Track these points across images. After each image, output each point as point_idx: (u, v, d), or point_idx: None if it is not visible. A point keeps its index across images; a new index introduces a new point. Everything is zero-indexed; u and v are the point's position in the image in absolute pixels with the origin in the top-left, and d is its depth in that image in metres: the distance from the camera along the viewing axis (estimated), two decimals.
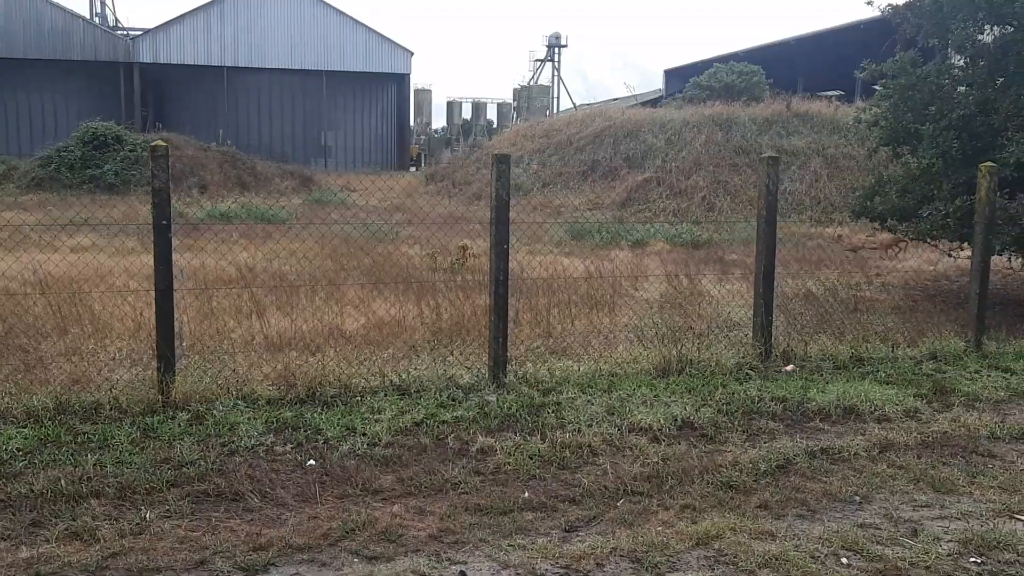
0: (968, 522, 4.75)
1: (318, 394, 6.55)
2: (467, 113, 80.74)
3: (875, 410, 6.66)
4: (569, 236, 22.20)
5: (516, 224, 22.46)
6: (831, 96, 33.45)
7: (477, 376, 7.17)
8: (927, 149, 12.69)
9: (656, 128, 28.72)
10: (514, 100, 68.62)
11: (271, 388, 6.59)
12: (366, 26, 57.26)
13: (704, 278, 14.61)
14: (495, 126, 70.02)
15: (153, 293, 6.49)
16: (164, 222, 6.30)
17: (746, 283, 13.75)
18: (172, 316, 6.38)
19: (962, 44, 12.65)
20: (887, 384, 7.46)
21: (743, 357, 7.99)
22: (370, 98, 59.83)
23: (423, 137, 74.29)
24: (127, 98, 53.48)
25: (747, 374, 7.68)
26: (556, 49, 71.30)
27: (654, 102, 46.46)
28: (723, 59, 42.84)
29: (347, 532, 4.37)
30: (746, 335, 8.72)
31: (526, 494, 4.95)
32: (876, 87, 14.79)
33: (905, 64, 13.49)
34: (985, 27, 12.98)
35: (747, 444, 5.88)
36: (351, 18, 56.99)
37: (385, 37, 57.66)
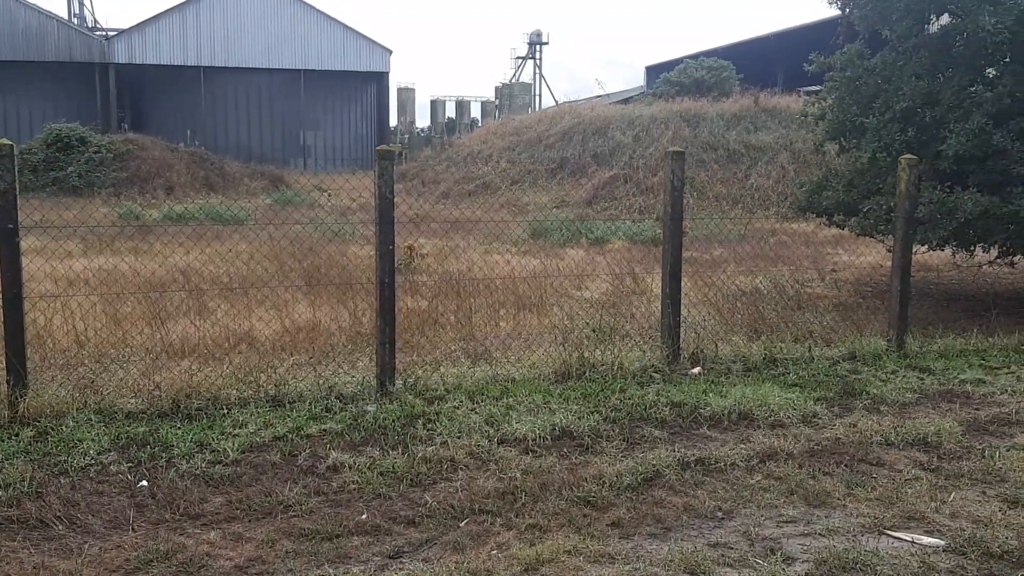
0: (832, 539, 4.44)
1: (182, 407, 6.21)
2: (451, 112, 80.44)
3: (770, 416, 6.36)
4: (529, 235, 21.90)
5: (477, 223, 22.18)
6: (813, 91, 33.03)
7: (363, 385, 6.84)
8: (870, 142, 12.41)
9: (624, 125, 28.40)
10: (496, 98, 68.23)
11: (133, 401, 6.25)
12: (344, 24, 56.85)
13: (651, 276, 14.28)
14: (480, 125, 69.64)
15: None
16: (10, 226, 5.96)
17: (697, 280, 13.50)
18: (22, 326, 6.03)
19: (904, 34, 12.36)
20: (793, 387, 7.15)
21: (648, 360, 7.67)
22: (349, 97, 59.42)
23: (406, 136, 73.93)
24: (103, 99, 52.99)
25: (651, 377, 7.37)
26: (537, 47, 70.96)
27: (639, 99, 46.15)
28: (705, 55, 42.53)
29: (145, 563, 4.03)
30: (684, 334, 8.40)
31: (363, 516, 4.62)
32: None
33: (852, 57, 13.22)
34: (931, 17, 12.70)
35: (623, 454, 5.56)
36: (328, 16, 56.57)
37: (363, 35, 57.26)
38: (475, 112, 77.46)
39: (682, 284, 12.70)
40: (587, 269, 15.25)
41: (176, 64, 54.28)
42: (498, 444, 5.66)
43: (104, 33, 58.53)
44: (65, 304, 9.77)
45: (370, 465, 5.24)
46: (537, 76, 70.44)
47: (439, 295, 11.64)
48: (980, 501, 4.95)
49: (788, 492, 5.02)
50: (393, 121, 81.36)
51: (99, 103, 52.32)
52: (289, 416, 6.11)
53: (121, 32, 55.12)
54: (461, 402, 6.53)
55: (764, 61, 44.21)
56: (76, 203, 27.65)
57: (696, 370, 7.56)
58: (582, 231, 21.04)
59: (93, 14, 70.33)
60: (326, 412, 6.25)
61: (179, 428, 5.82)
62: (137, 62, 53.79)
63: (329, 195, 29.03)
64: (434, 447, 5.54)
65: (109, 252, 17.12)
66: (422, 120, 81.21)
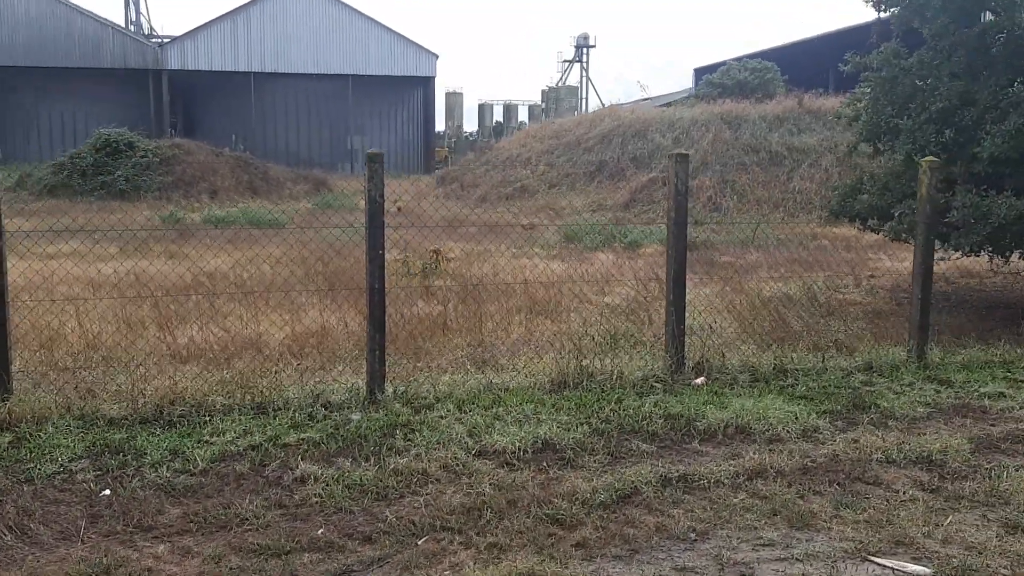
0: (808, 565, 4.18)
1: (165, 413, 6.14)
2: (499, 115, 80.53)
3: (768, 430, 6.07)
4: (563, 239, 21.69)
5: (510, 227, 22.01)
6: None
7: (351, 393, 6.70)
8: (904, 144, 11.98)
9: (664, 127, 28.02)
10: (543, 102, 68.06)
11: (116, 407, 6.19)
12: (391, 30, 57.20)
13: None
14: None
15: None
16: None
17: (728, 286, 13.19)
18: (4, 332, 6.01)
19: (940, 32, 11.91)
20: (800, 399, 6.84)
21: (651, 369, 7.43)
22: (396, 101, 59.79)
23: (453, 140, 74.18)
24: (156, 105, 54.01)
25: (652, 387, 7.12)
26: (584, 50, 70.62)
27: (681, 102, 45.58)
28: (753, 56, 41.86)
29: None
30: (690, 343, 8.11)
31: (320, 531, 4.47)
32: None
33: (888, 56, 12.80)
34: (981, 14, 12.23)
35: (604, 469, 5.34)
36: (376, 22, 56.97)
37: (410, 40, 57.55)
38: (523, 116, 77.37)
39: (706, 291, 12.44)
40: (613, 274, 14.98)
41: (227, 70, 55.11)
42: (475, 456, 5.48)
43: (159, 40, 59.65)
44: (79, 308, 9.84)
45: (338, 477, 5.09)
46: (584, 79, 70.14)
47: (454, 300, 11.49)
48: (978, 525, 4.64)
49: (771, 513, 4.76)
50: (441, 125, 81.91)
51: (152, 109, 53.33)
52: (270, 424, 6.00)
53: (174, 39, 56.14)
54: (448, 411, 6.36)
55: (815, 63, 43.35)
56: (122, 206, 28.15)
57: (700, 380, 7.29)
58: (615, 235, 20.75)
59: (149, 22, 71.80)
60: (309, 420, 6.13)
61: (157, 435, 5.75)
62: (189, 68, 54.75)
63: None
64: (407, 459, 5.38)
65: (141, 256, 17.30)
66: (470, 124, 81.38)
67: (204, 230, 21.18)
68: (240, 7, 55.35)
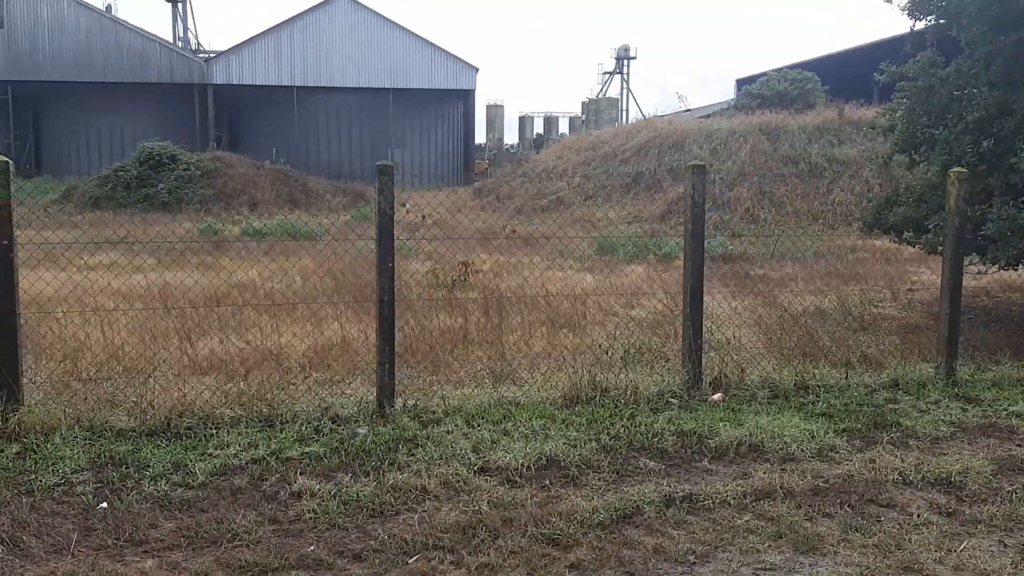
0: None
1: (173, 425, 6.14)
2: (540, 127, 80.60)
3: (782, 448, 5.90)
4: (596, 251, 21.53)
5: (544, 239, 21.92)
6: None
7: (360, 406, 6.65)
8: (939, 155, 11.71)
9: (702, 138, 27.76)
10: (583, 113, 67.96)
11: (124, 418, 6.21)
12: (432, 43, 57.53)
13: (709, 295, 13.71)
14: None
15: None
16: (4, 243, 5.98)
17: (759, 299, 12.99)
18: (15, 343, 6.06)
19: (975, 40, 11.63)
20: (820, 416, 6.65)
21: (667, 384, 7.28)
22: (436, 114, 60.08)
23: (494, 152, 74.33)
24: (201, 119, 54.82)
25: (668, 403, 6.98)
26: (625, 61, 70.43)
27: (720, 113, 45.18)
28: (796, 67, 41.37)
29: None
30: (709, 358, 7.95)
31: (311, 547, 4.41)
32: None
33: (924, 65, 12.52)
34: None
35: (608, 487, 5.21)
36: (417, 36, 57.33)
37: (450, 54, 57.82)
38: (563, 128, 77.36)
39: (735, 304, 12.22)
40: (642, 286, 14.81)
41: (270, 84, 55.81)
42: (477, 473, 5.38)
43: (205, 55, 60.62)
44: (105, 319, 9.93)
45: (335, 492, 5.03)
46: (624, 91, 69.91)
47: (478, 312, 11.42)
48: (993, 552, 4.44)
49: (776, 535, 4.60)
50: (482, 138, 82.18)
51: (197, 123, 54.14)
52: (276, 437, 5.97)
53: (219, 54, 57.01)
54: (456, 426, 6.28)
55: (858, 73, 42.64)
56: (162, 219, 28.56)
57: (717, 396, 7.13)
58: (649, 247, 20.56)
59: (196, 37, 73.08)
60: (315, 434, 6.08)
61: (162, 448, 5.74)
62: (234, 83, 55.52)
63: (408, 209, 29.32)
64: (407, 475, 5.30)
65: (179, 268, 17.48)
66: (511, 136, 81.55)
67: (241, 242, 21.37)
68: (283, 22, 56.11)
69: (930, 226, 11.42)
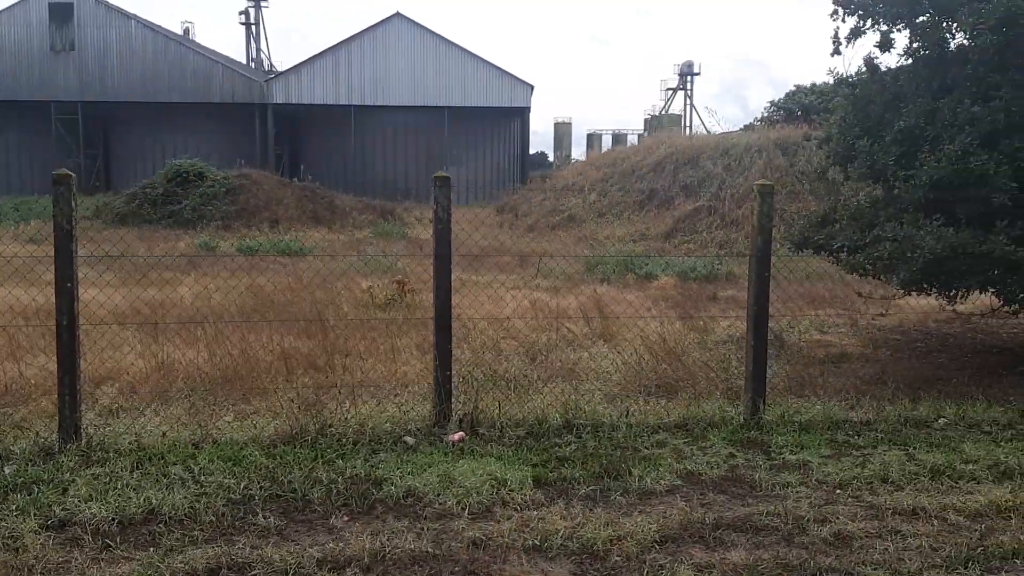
0: None
1: None
2: (608, 144, 79.59)
3: (442, 503, 5.04)
4: (585, 270, 20.66)
5: (535, 257, 21.07)
6: None
7: (36, 441, 6.05)
8: (858, 168, 10.64)
9: (717, 154, 26.51)
10: (645, 130, 66.81)
11: None
12: (487, 62, 57.35)
13: (652, 320, 12.66)
14: None
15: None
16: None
17: (687, 325, 12.07)
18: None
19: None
20: (541, 464, 5.75)
21: (410, 419, 6.48)
22: (492, 132, 59.82)
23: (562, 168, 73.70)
24: (262, 138, 55.84)
25: (400, 442, 6.17)
26: (688, 77, 68.95)
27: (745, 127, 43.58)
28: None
29: None
30: (469, 391, 7.07)
31: None
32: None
33: (865, 72, 11.48)
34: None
35: (172, 550, 4.47)
36: (473, 55, 57.27)
37: (506, 72, 57.56)
38: (632, 143, 76.21)
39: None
40: (566, 310, 13.90)
41: (328, 103, 56.50)
42: (44, 530, 4.67)
43: (272, 74, 61.86)
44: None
45: None
46: (687, 106, 68.42)
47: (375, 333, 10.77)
48: None
49: None
50: (550, 155, 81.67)
51: (258, 142, 55.13)
52: None
53: (279, 74, 58.05)
54: (121, 466, 5.62)
55: None
56: (177, 235, 28.85)
57: (456, 436, 6.29)
58: (629, 267, 19.57)
59: (269, 58, 74.94)
60: None
61: None
62: (293, 102, 56.41)
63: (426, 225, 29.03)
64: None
65: (133, 283, 17.31)
66: (578, 153, 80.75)
67: (216, 257, 21.25)
68: (341, 42, 56.80)
69: (860, 244, 10.25)
